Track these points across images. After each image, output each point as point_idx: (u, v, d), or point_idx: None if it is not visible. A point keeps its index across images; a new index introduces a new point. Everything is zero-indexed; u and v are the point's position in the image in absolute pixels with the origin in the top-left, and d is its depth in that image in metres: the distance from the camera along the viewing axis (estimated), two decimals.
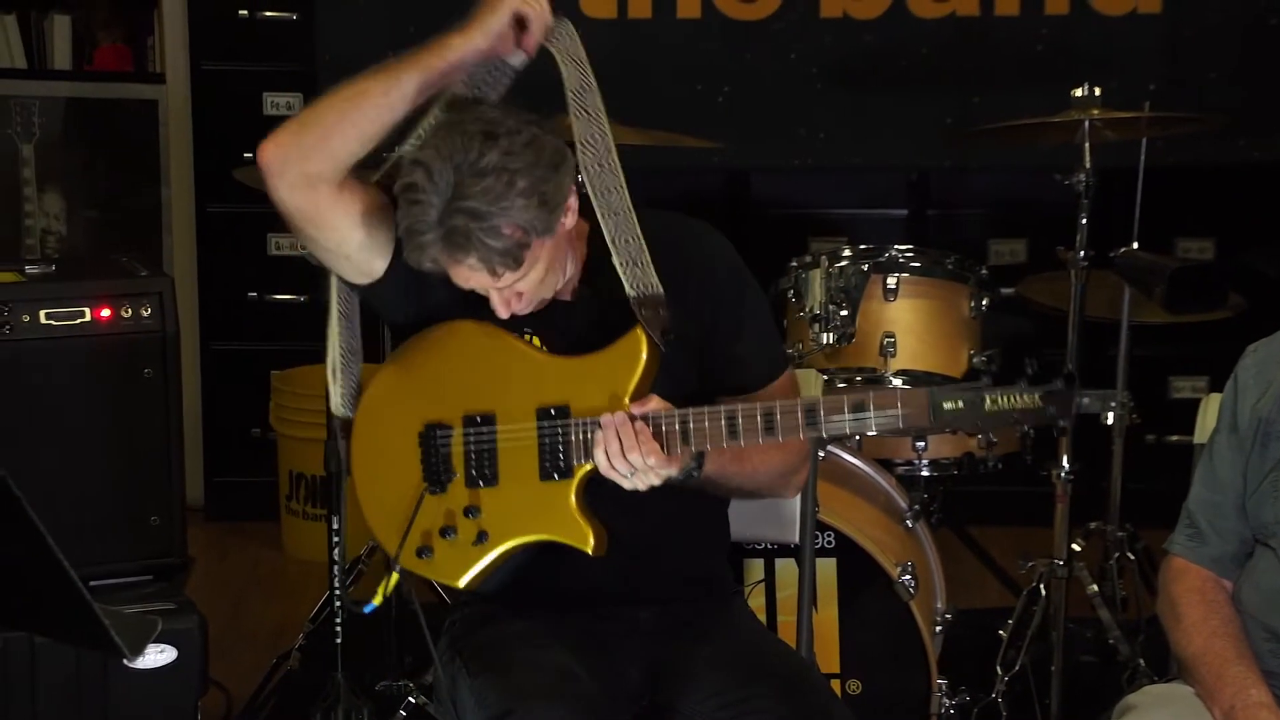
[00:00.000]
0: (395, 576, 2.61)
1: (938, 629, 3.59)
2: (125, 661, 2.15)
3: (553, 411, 2.58)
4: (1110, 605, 3.98)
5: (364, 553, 4.06)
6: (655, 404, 2.51)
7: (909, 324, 3.79)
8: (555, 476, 2.57)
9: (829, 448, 3.59)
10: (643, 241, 2.60)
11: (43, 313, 3.25)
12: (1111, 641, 3.89)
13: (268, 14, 5.17)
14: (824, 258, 3.80)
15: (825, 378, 3.63)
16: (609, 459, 2.50)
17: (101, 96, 5.37)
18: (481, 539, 2.60)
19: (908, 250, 3.84)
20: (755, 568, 3.32)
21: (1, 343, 3.22)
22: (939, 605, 3.64)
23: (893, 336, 3.76)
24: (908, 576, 3.34)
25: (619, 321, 2.58)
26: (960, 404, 2.45)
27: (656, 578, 2.72)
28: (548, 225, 2.49)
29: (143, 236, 5.35)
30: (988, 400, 2.45)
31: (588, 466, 2.56)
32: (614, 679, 2.64)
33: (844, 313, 3.74)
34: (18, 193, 5.27)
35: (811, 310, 3.77)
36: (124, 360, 3.31)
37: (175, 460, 3.38)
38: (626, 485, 2.52)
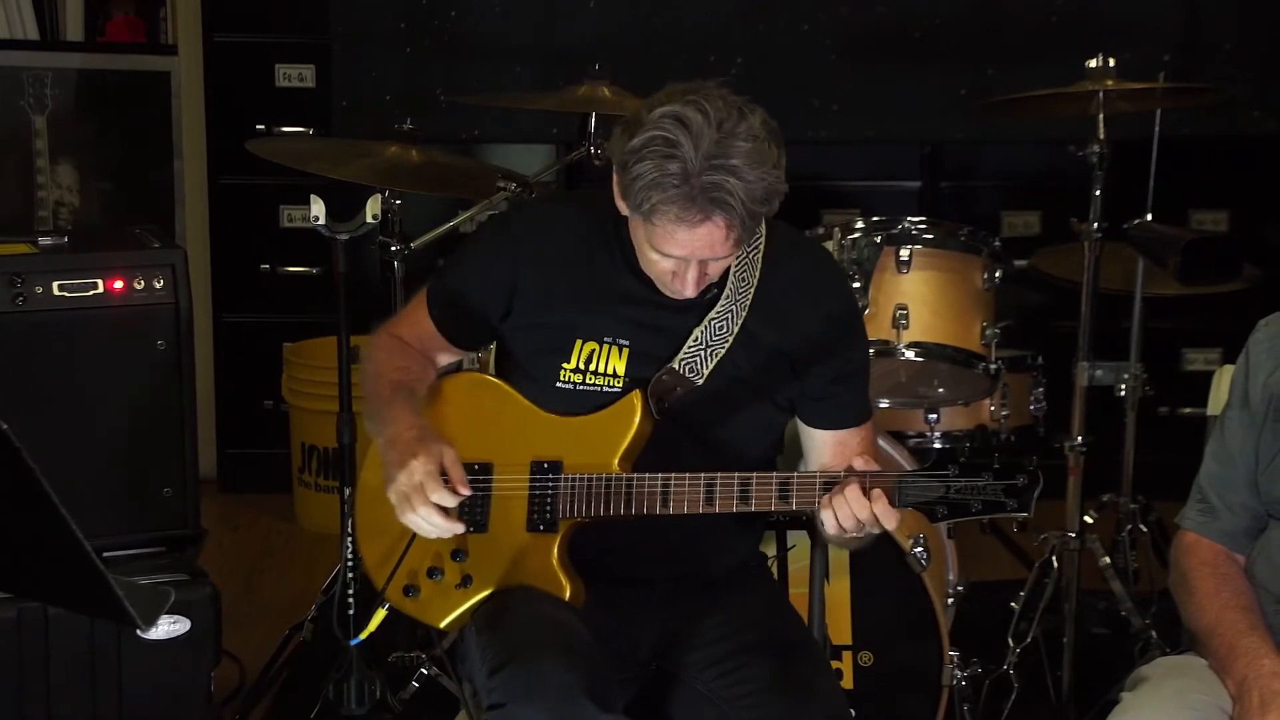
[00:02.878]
0: (383, 612, 2.69)
1: (950, 601, 3.59)
2: (139, 632, 2.16)
3: (546, 465, 2.64)
4: (1123, 577, 3.98)
5: None
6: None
7: (922, 296, 3.78)
8: (541, 529, 2.63)
9: None
10: (730, 340, 2.66)
11: (56, 284, 3.26)
12: (1124, 613, 3.88)
13: None
14: (837, 230, 3.79)
15: None
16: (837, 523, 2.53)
17: (114, 68, 5.36)
18: (466, 583, 2.66)
19: (921, 222, 3.83)
20: (767, 540, 3.32)
21: (15, 314, 3.22)
22: (951, 577, 3.63)
23: (905, 308, 3.75)
24: (920, 549, 3.34)
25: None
26: (926, 492, 2.50)
27: (682, 548, 2.74)
28: (775, 207, 2.53)
29: (155, 208, 5.34)
30: (952, 490, 2.49)
31: (574, 521, 2.62)
32: (624, 642, 2.67)
33: (857, 284, 3.73)
34: (30, 165, 5.27)
35: None
36: (137, 332, 3.32)
37: (188, 432, 3.38)
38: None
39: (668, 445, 2.65)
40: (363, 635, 2.76)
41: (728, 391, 2.67)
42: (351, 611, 3.22)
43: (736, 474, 2.56)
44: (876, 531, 2.54)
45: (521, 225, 2.79)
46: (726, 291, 2.66)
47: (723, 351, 2.66)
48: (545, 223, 2.76)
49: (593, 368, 2.66)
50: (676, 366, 2.65)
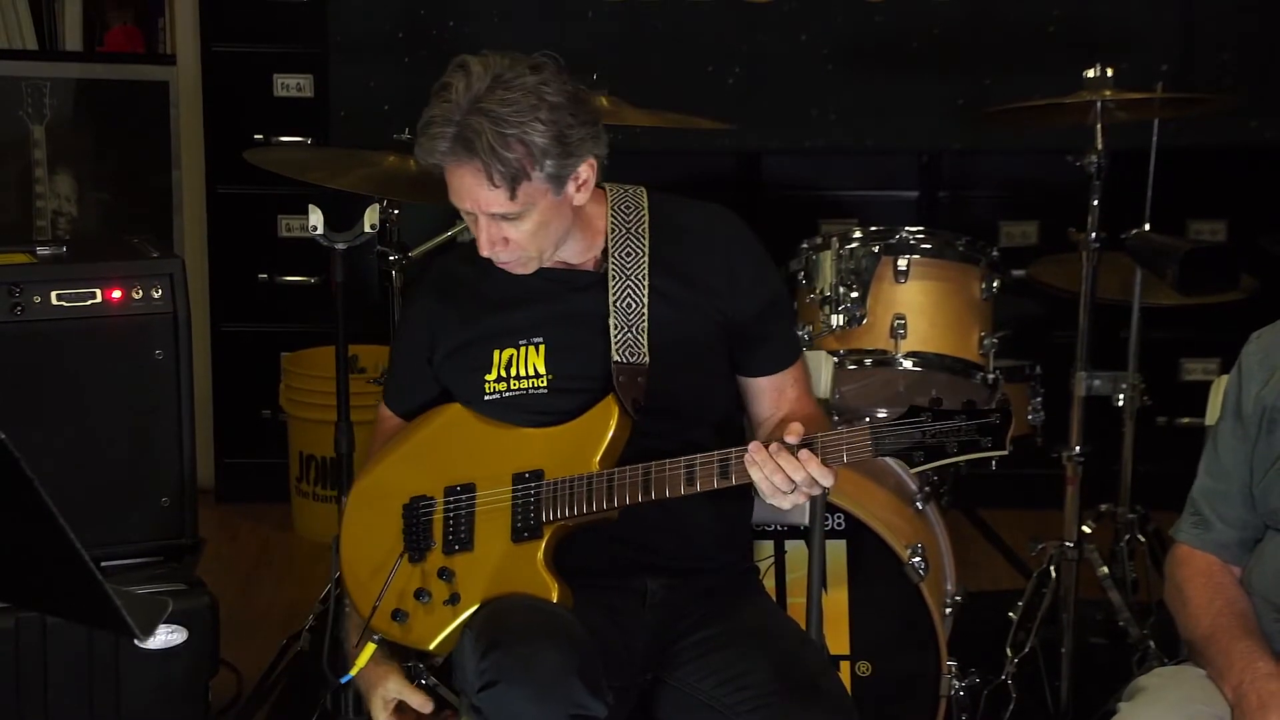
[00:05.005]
0: (372, 646, 2.70)
1: (948, 611, 3.58)
2: (137, 642, 2.15)
3: (527, 476, 2.65)
4: (1121, 587, 3.98)
5: None
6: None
7: (920, 306, 3.78)
8: (526, 536, 2.64)
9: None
10: (645, 308, 2.68)
11: (54, 294, 3.25)
12: (1122, 624, 3.88)
13: None
14: (835, 239, 3.78)
15: (835, 360, 3.62)
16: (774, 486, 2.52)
17: (112, 78, 5.36)
18: (454, 600, 2.66)
19: (919, 232, 3.82)
20: (765, 549, 3.32)
21: (13, 324, 3.22)
22: (949, 587, 3.63)
23: (903, 318, 3.75)
24: (918, 559, 3.34)
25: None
26: (903, 440, 2.49)
27: (673, 553, 2.75)
28: (557, 172, 2.57)
29: (153, 218, 5.34)
30: (928, 435, 2.49)
31: (558, 524, 2.62)
32: (619, 649, 2.67)
33: (854, 295, 3.73)
34: (29, 174, 5.27)
35: (822, 292, 3.76)
36: (135, 341, 3.31)
37: (186, 442, 3.38)
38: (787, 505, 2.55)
39: (642, 434, 2.66)
40: (352, 672, 2.76)
41: (672, 359, 2.69)
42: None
43: (715, 452, 2.56)
44: (815, 492, 2.55)
45: (424, 279, 2.93)
46: (612, 269, 2.70)
47: (646, 323, 2.68)
48: (445, 262, 2.90)
49: (514, 372, 2.71)
50: (619, 358, 2.66)
